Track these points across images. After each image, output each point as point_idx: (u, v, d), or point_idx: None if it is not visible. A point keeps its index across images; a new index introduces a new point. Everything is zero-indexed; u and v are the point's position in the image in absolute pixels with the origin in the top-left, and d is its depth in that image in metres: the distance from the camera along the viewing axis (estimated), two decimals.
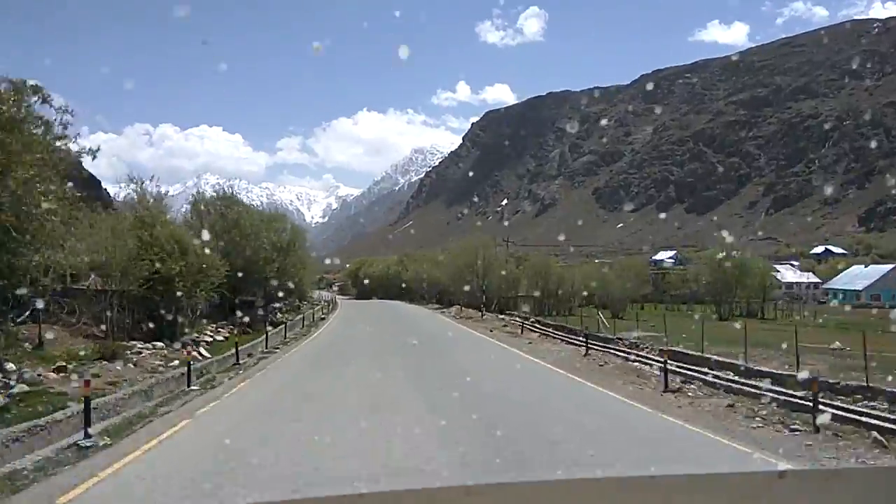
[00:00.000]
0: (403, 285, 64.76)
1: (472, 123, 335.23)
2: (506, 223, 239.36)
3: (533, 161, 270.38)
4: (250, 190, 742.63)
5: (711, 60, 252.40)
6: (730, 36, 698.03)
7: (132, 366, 12.86)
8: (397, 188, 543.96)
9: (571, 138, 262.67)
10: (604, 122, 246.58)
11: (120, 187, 21.35)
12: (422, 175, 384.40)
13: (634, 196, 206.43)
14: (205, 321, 21.05)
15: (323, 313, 40.87)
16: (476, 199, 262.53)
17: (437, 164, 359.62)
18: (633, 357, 15.85)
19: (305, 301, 48.18)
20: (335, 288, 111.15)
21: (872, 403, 9.48)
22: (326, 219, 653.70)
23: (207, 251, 18.91)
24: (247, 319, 23.40)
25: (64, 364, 11.43)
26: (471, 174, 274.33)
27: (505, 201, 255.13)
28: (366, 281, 78.56)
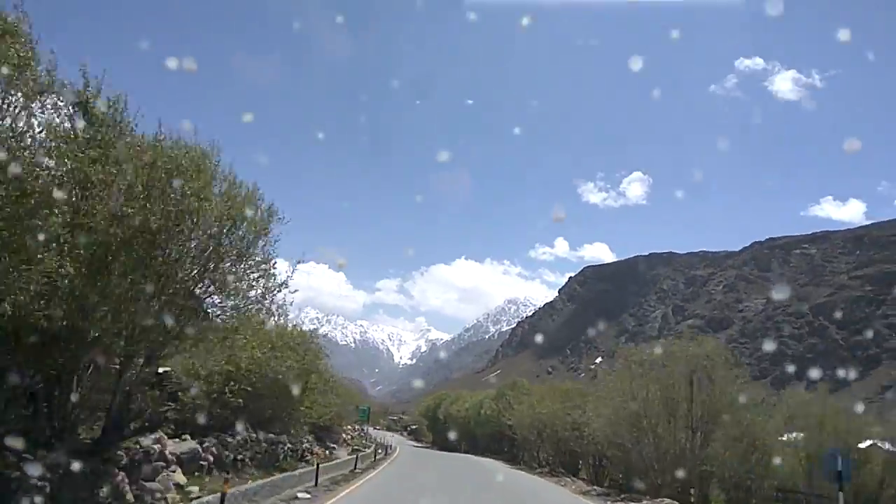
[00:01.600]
0: (510, 434, 41.56)
1: (570, 277, 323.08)
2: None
3: (632, 320, 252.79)
4: (346, 326, 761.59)
5: (832, 233, 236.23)
6: (845, 213, 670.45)
7: None
8: (487, 336, 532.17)
9: (675, 300, 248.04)
10: (712, 286, 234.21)
11: None
12: (513, 325, 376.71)
13: (745, 367, 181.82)
14: None
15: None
16: (569, 353, 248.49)
17: (529, 314, 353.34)
18: None
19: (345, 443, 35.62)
20: (406, 432, 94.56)
21: None
22: (414, 361, 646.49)
23: None
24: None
25: None
26: (565, 329, 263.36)
27: (599, 359, 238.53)
28: (445, 423, 58.83)
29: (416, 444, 69.02)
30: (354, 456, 26.63)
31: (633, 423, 22.35)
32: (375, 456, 32.19)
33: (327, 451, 26.14)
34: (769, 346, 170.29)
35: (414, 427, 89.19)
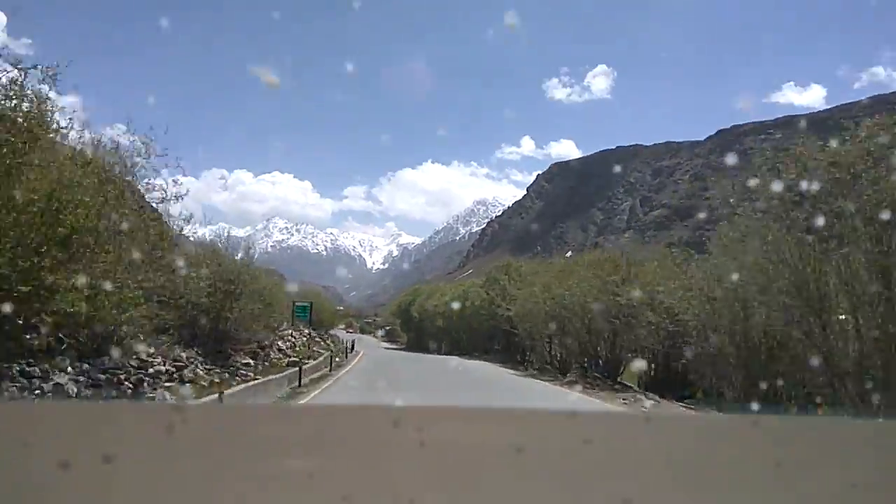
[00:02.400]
0: (508, 328, 31.80)
1: (538, 175, 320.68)
2: None
3: (601, 214, 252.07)
4: (316, 234, 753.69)
5: (795, 117, 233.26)
6: (807, 98, 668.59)
7: None
8: (458, 238, 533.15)
9: (642, 192, 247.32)
10: (678, 176, 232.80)
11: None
12: (483, 226, 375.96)
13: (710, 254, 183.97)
14: None
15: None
16: (539, 249, 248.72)
17: (498, 214, 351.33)
18: None
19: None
20: (380, 333, 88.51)
21: None
22: (387, 265, 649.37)
23: None
24: None
25: None
26: (534, 225, 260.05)
27: (569, 253, 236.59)
28: (421, 321, 51.38)
29: (389, 346, 61.78)
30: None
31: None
32: (331, 364, 25.29)
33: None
34: None
35: (388, 328, 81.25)
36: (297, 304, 35.47)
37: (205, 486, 0.79)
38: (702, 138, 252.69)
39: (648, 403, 18.65)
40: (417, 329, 55.69)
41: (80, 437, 0.85)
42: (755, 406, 14.43)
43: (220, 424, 0.90)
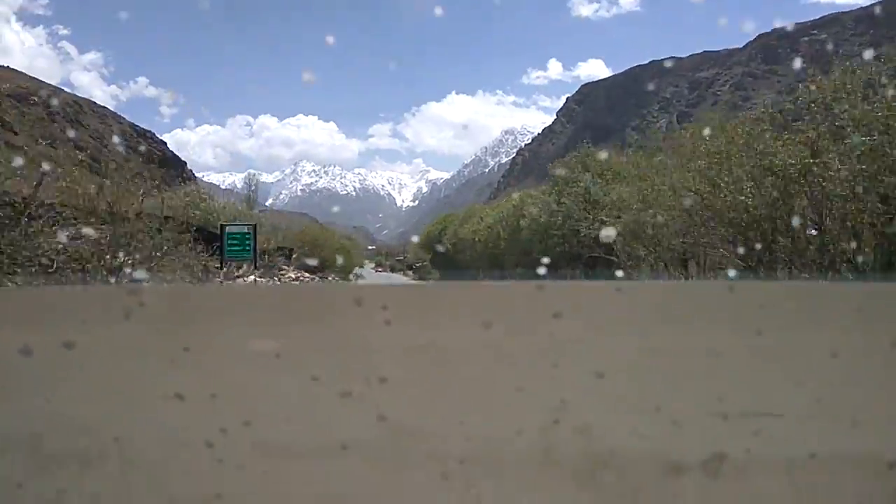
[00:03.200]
0: (591, 251, 18.78)
1: (567, 98, 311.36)
2: None
3: (635, 134, 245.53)
4: (344, 176, 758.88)
5: (842, 14, 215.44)
6: None
7: None
8: (487, 170, 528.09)
9: (679, 107, 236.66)
10: (717, 87, 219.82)
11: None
12: (512, 155, 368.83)
13: None
14: None
15: None
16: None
17: (528, 143, 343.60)
18: None
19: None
20: (411, 271, 75.90)
21: None
22: (417, 202, 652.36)
23: None
24: None
25: None
26: (565, 150, 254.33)
27: None
28: (458, 251, 41.80)
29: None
30: None
31: None
32: None
33: None
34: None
35: (418, 264, 74.11)
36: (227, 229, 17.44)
37: (167, 370, 0.78)
38: (741, 45, 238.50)
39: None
40: (449, 264, 46.83)
41: (40, 323, 0.84)
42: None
43: (179, 306, 0.84)
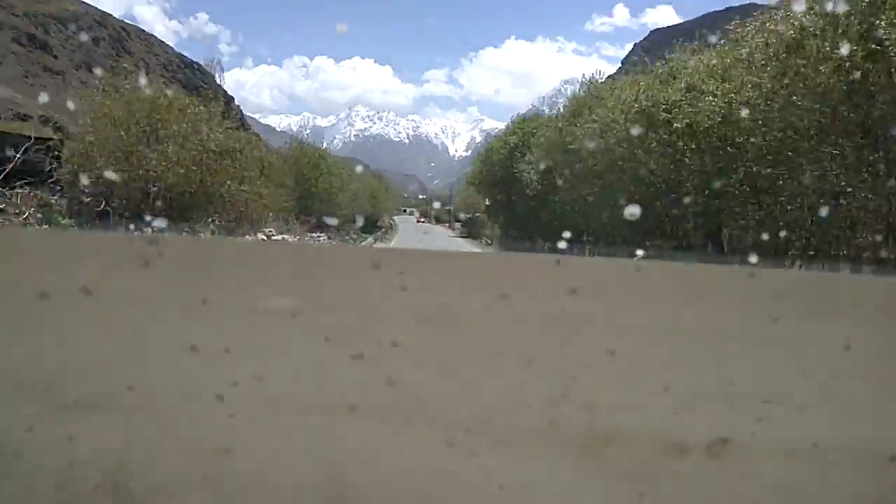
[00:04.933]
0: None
1: (634, 44, 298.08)
2: None
3: None
4: (398, 122, 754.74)
5: None
6: None
7: None
8: None
9: None
10: None
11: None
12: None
13: None
14: None
15: None
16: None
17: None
18: None
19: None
20: (460, 225, 66.72)
21: None
22: (470, 152, 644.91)
23: None
24: None
25: None
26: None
27: None
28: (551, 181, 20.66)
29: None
30: None
31: None
32: None
33: None
34: None
35: (468, 216, 57.17)
36: None
37: (183, 322, 0.81)
38: None
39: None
40: (527, 213, 27.24)
41: (59, 268, 0.85)
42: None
43: (199, 259, 0.85)
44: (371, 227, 49.39)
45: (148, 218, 13.37)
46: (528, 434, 0.82)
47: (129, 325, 0.81)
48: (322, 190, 35.38)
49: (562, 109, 28.77)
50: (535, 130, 29.69)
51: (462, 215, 67.13)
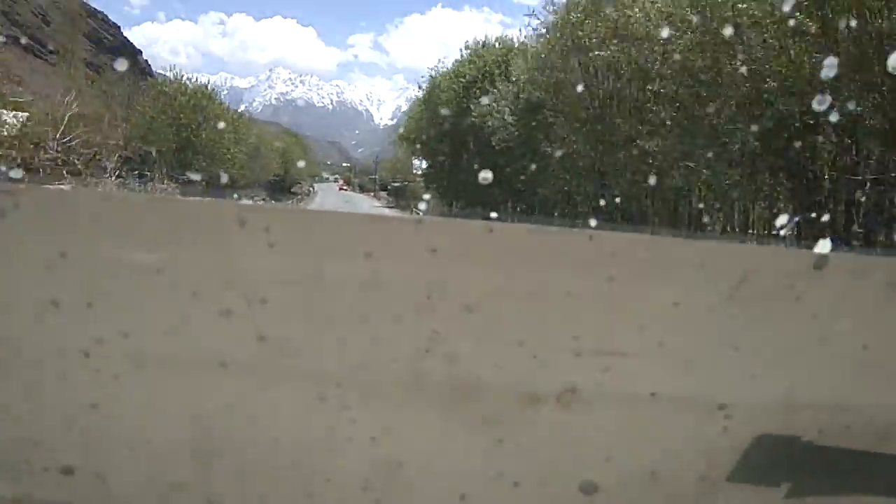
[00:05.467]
0: None
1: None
2: None
3: None
4: (321, 87, 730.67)
5: None
6: None
7: None
8: None
9: None
10: None
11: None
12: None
13: None
14: None
15: None
16: None
17: None
18: None
19: None
20: (385, 193, 65.82)
21: None
22: (395, 121, 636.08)
23: None
24: None
25: None
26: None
27: None
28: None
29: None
30: None
31: None
32: None
33: None
34: None
35: (397, 184, 54.56)
36: None
37: (43, 276, 0.78)
38: None
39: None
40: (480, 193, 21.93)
41: None
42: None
43: (57, 210, 0.80)
44: (282, 192, 45.60)
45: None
46: (395, 387, 0.87)
47: None
48: (208, 140, 29.87)
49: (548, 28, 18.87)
50: (503, 59, 21.39)
51: (392, 184, 61.84)
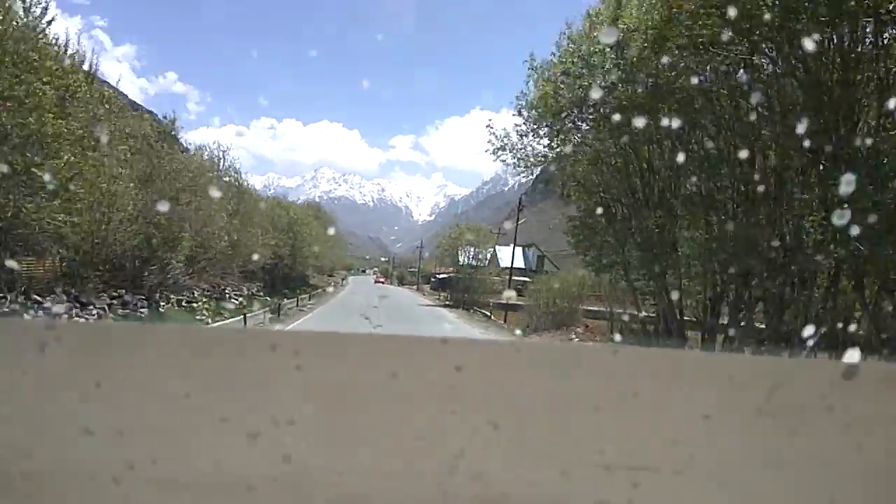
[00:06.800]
0: None
1: None
2: None
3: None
4: (363, 185, 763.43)
5: None
6: None
7: None
8: (507, 189, 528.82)
9: None
10: None
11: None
12: (532, 178, 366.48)
13: None
14: None
15: None
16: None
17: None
18: None
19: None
20: (427, 286, 59.63)
21: None
22: (433, 217, 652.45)
23: None
24: None
25: None
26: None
27: None
28: None
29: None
30: None
31: None
32: None
33: None
34: None
35: (441, 276, 48.65)
36: None
37: (78, 405, 0.83)
38: None
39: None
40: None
41: None
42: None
43: (95, 342, 0.87)
44: (284, 286, 36.67)
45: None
46: None
47: (24, 409, 0.83)
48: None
49: None
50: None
51: (436, 276, 53.86)
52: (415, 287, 70.80)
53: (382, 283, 79.25)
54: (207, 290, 26.81)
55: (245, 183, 31.29)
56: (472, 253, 44.55)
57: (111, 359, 0.85)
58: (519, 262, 45.51)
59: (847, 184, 4.00)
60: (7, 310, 12.41)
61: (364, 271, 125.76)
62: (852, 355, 0.81)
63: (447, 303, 42.96)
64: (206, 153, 29.59)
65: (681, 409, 0.85)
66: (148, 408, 0.84)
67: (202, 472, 0.85)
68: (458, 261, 44.04)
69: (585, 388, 0.85)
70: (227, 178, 29.33)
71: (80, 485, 0.85)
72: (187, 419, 0.84)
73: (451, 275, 45.68)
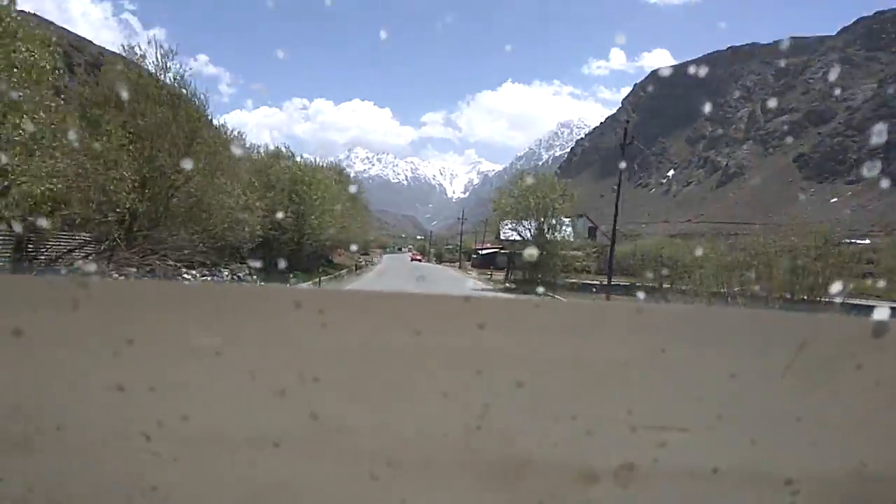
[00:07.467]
0: None
1: (635, 84, 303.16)
2: (673, 196, 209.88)
3: (709, 125, 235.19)
4: (396, 164, 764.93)
5: None
6: None
7: None
8: (541, 163, 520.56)
9: (763, 95, 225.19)
10: (809, 75, 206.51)
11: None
12: (567, 150, 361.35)
13: (853, 165, 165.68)
14: None
15: None
16: (636, 169, 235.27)
17: (589, 132, 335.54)
18: None
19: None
20: (469, 264, 55.11)
21: None
22: (467, 194, 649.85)
23: None
24: None
25: None
26: (630, 142, 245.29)
27: (672, 171, 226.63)
28: None
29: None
30: None
31: None
32: None
33: None
34: (880, 137, 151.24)
35: (485, 251, 41.14)
36: None
37: (110, 362, 0.85)
38: (833, 32, 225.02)
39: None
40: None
41: None
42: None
43: (126, 299, 0.88)
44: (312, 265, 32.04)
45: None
46: (447, 464, 0.88)
47: (57, 366, 0.85)
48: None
49: None
50: None
51: (479, 252, 45.40)
52: (456, 265, 63.19)
53: (419, 261, 75.33)
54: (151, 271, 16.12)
55: (216, 118, 22.39)
56: (549, 217, 33.90)
57: (142, 316, 0.87)
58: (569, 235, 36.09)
59: None
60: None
61: (400, 249, 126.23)
62: (882, 312, 0.79)
63: (507, 285, 35.38)
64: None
65: (708, 367, 0.84)
66: (178, 364, 0.86)
67: (231, 428, 0.87)
68: (525, 228, 34.33)
69: (610, 347, 0.84)
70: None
71: (112, 440, 0.87)
72: (217, 375, 0.86)
73: (499, 250, 39.79)
